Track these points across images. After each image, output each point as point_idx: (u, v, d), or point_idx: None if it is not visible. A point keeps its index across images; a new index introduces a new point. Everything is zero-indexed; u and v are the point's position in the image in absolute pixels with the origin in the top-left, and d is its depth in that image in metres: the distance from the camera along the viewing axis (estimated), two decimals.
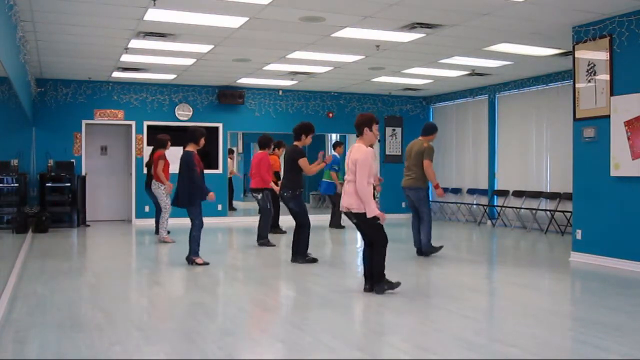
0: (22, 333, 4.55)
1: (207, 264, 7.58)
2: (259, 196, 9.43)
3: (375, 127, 5.86)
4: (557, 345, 4.43)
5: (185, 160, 7.49)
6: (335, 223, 12.06)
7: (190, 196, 7.47)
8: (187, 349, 4.23)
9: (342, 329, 4.82)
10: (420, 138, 8.49)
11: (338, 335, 4.58)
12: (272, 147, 10.57)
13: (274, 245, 9.32)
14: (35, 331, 4.59)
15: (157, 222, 10.56)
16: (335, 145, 12.33)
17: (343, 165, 12.04)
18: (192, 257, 7.59)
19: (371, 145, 9.57)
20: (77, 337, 4.44)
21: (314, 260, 7.76)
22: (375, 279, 5.84)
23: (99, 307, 5.43)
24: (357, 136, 5.89)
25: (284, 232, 10.81)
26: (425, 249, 8.32)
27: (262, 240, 9.40)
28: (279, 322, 5.16)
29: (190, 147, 7.60)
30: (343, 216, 12.02)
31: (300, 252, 7.76)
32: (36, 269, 7.46)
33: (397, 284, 5.90)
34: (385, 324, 4.91)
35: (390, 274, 7.32)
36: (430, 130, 8.45)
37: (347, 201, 5.73)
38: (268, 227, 9.56)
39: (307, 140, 7.89)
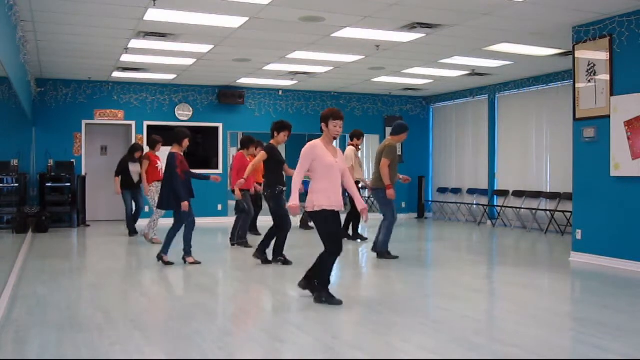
0: (22, 333, 4.55)
1: (171, 263, 7.63)
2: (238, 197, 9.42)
3: (332, 123, 5.53)
4: (557, 345, 4.43)
5: (168, 162, 7.54)
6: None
7: (173, 198, 7.47)
8: (187, 349, 4.23)
9: (342, 329, 4.82)
10: (388, 137, 8.31)
11: (338, 335, 4.59)
12: (255, 147, 10.30)
13: (250, 247, 9.25)
14: (35, 331, 4.59)
15: (131, 222, 10.88)
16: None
17: None
18: (185, 257, 7.75)
19: (356, 147, 9.40)
20: (77, 337, 4.44)
21: (288, 263, 7.60)
22: (318, 286, 5.57)
23: (99, 307, 5.43)
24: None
25: (260, 235, 10.43)
26: (379, 249, 8.09)
27: (239, 240, 9.37)
28: (279, 322, 5.15)
29: (175, 149, 7.61)
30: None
31: (276, 253, 7.64)
32: (36, 269, 7.46)
33: (339, 302, 5.48)
34: (385, 324, 4.91)
35: (390, 274, 7.33)
36: (398, 129, 8.14)
37: (307, 199, 5.53)
38: (246, 228, 9.49)
39: (279, 138, 7.65)
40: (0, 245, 8.74)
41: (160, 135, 10.33)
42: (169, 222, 7.93)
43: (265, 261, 7.64)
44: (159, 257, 7.71)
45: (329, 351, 4.20)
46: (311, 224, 11.38)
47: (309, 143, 5.57)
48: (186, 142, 7.66)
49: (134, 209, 11.04)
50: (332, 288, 5.60)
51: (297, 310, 5.55)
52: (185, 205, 7.41)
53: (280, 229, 7.60)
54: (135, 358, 4.02)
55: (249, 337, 4.73)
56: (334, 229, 5.47)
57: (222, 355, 4.09)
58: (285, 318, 5.32)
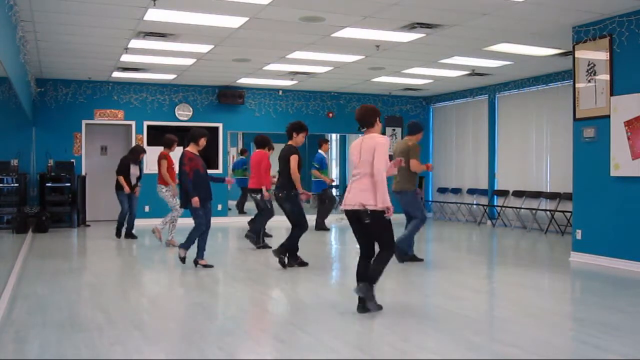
0: (22, 333, 4.55)
1: (182, 260, 7.48)
2: (259, 197, 9.28)
3: (378, 120, 5.32)
4: (557, 345, 4.43)
5: (179, 160, 7.52)
6: (321, 225, 11.79)
7: (183, 196, 7.45)
8: (187, 349, 4.23)
9: (342, 329, 4.82)
10: (406, 138, 8.10)
11: (338, 335, 4.58)
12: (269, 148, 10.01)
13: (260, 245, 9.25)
14: (35, 331, 4.59)
15: (119, 224, 10.49)
16: (321, 143, 11.93)
17: (324, 163, 11.92)
18: (180, 249, 7.57)
19: None
20: (77, 337, 4.44)
21: (304, 264, 7.54)
22: (368, 279, 5.15)
23: (99, 307, 5.43)
24: (366, 128, 5.25)
25: (270, 236, 10.27)
26: (400, 250, 7.64)
27: (253, 234, 9.26)
28: (279, 322, 5.16)
29: (190, 148, 7.59)
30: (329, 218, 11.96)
31: (291, 252, 7.49)
32: (36, 269, 7.47)
33: (379, 308, 5.24)
34: (385, 324, 4.91)
35: (390, 274, 7.32)
36: (416, 128, 8.01)
37: (363, 197, 5.00)
38: (264, 226, 9.44)
39: (299, 139, 7.60)
40: (0, 245, 8.74)
41: (161, 135, 10.26)
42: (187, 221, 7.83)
43: (302, 263, 7.54)
44: (196, 262, 7.54)
45: (330, 351, 4.20)
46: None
47: (382, 136, 5.21)
48: (203, 141, 7.61)
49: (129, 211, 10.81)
50: (334, 287, 5.59)
51: (298, 310, 5.56)
52: (195, 200, 7.28)
53: (300, 227, 7.48)
54: (135, 358, 4.02)
55: (249, 337, 4.73)
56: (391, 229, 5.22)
57: (222, 355, 4.09)
58: (286, 318, 5.33)
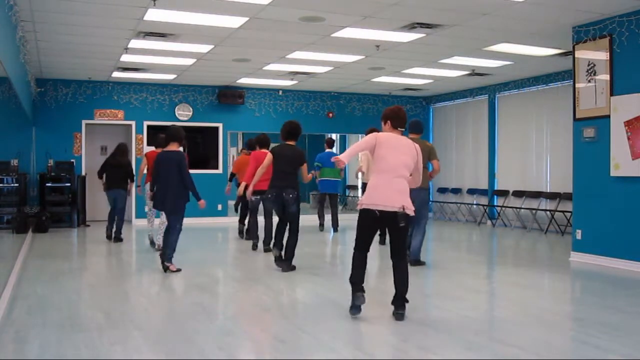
0: (22, 333, 4.55)
1: (179, 270, 7.19)
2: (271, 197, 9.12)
3: None
4: (557, 345, 4.43)
5: (178, 160, 6.98)
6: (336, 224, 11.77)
7: (183, 200, 7.08)
8: (187, 349, 4.23)
9: (342, 329, 4.82)
10: (413, 136, 7.84)
11: (338, 335, 4.58)
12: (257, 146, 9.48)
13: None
14: (35, 331, 4.59)
15: (117, 226, 10.01)
16: (332, 143, 12.10)
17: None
18: (166, 264, 7.13)
19: None
20: (77, 337, 4.44)
21: (293, 268, 7.33)
22: (403, 298, 5.02)
23: (99, 307, 5.43)
24: (398, 128, 5.13)
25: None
26: (414, 257, 7.55)
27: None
28: (279, 322, 5.15)
29: (174, 147, 7.13)
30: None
31: (291, 259, 7.32)
32: (36, 269, 7.47)
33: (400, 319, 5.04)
34: (385, 324, 4.91)
35: (390, 273, 7.32)
36: (420, 127, 7.98)
37: (403, 200, 4.88)
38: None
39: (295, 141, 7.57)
40: (0, 245, 8.74)
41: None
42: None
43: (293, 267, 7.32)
44: (166, 267, 7.15)
45: (330, 351, 4.20)
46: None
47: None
48: (184, 142, 7.36)
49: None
50: (334, 288, 5.59)
51: (298, 310, 5.56)
52: (203, 203, 7.12)
53: (297, 233, 7.33)
54: (135, 358, 4.02)
55: (249, 337, 4.73)
56: None
57: (222, 355, 4.09)
58: (286, 318, 5.32)
